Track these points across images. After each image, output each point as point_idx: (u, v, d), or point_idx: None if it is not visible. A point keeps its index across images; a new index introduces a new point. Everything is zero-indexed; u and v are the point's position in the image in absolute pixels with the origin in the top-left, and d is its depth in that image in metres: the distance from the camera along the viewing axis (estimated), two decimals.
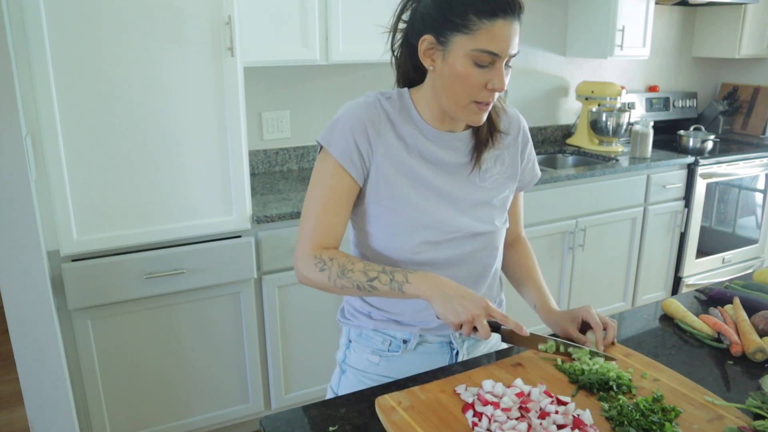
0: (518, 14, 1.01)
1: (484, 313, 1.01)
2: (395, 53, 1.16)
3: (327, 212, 1.11)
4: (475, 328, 1.02)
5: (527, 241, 1.36)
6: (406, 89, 1.17)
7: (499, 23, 0.99)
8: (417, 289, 1.04)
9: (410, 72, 1.16)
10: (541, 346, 1.14)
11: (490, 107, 1.09)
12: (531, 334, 1.11)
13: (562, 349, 1.13)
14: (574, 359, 1.11)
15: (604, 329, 1.17)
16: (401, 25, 1.13)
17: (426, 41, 1.05)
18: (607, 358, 1.12)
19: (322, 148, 1.13)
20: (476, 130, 1.17)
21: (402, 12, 1.12)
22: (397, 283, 1.05)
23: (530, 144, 1.27)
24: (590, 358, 1.10)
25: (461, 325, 1.02)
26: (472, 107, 1.07)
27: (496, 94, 1.06)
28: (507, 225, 1.25)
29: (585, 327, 1.19)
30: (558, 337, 1.19)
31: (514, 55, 1.04)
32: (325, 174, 1.11)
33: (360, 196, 1.14)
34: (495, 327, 1.07)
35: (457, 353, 1.22)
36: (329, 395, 1.28)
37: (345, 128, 1.10)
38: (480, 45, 1.00)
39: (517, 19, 1.01)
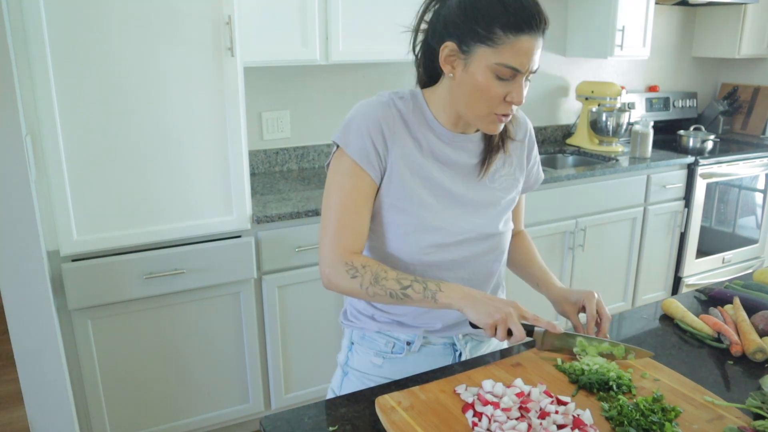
0: (543, 30, 1.01)
1: (516, 313, 1.02)
2: (417, 54, 1.15)
3: (350, 214, 1.09)
4: (509, 332, 1.02)
5: (527, 234, 1.39)
6: (419, 90, 1.16)
7: (523, 39, 0.98)
8: (450, 298, 1.04)
9: (423, 74, 1.16)
10: (575, 349, 1.13)
11: (508, 119, 1.08)
12: (564, 332, 1.12)
13: (596, 345, 1.12)
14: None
15: (600, 318, 1.17)
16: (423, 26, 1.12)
17: (448, 48, 1.04)
18: (629, 349, 1.12)
19: (337, 147, 1.11)
20: (488, 135, 1.17)
21: (425, 13, 1.11)
22: (431, 291, 1.05)
23: (535, 146, 1.28)
24: (625, 357, 1.11)
25: (495, 328, 1.02)
26: (491, 117, 1.07)
27: (515, 107, 1.06)
28: (512, 227, 1.26)
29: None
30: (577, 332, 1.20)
31: (534, 71, 1.04)
32: (343, 175, 1.10)
33: None
34: (527, 331, 1.07)
35: (461, 354, 1.23)
36: (330, 398, 1.28)
37: (361, 128, 1.09)
38: (503, 60, 0.99)
39: (541, 35, 1.01)
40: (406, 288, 1.05)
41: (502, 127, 1.10)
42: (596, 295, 1.18)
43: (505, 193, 1.21)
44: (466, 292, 1.05)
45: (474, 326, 1.06)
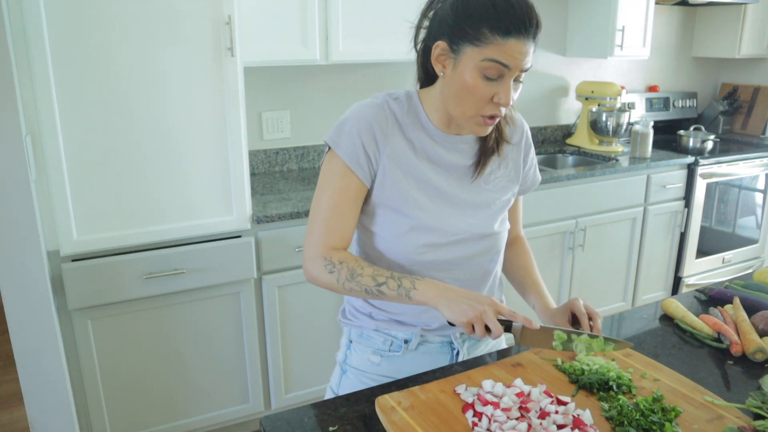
0: (533, 34, 1.00)
1: (491, 309, 1.00)
2: (418, 52, 1.15)
3: (335, 213, 1.11)
4: (487, 329, 1.02)
5: (525, 240, 1.37)
6: (414, 90, 1.17)
7: (511, 42, 0.98)
8: (424, 296, 1.04)
9: (421, 73, 1.16)
10: (554, 343, 1.12)
11: (495, 121, 1.08)
12: (541, 326, 1.11)
13: (574, 338, 1.11)
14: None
15: (591, 319, 1.16)
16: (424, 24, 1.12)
17: (439, 47, 1.05)
18: (608, 340, 1.11)
19: (329, 148, 1.12)
20: (483, 137, 1.17)
21: (427, 11, 1.11)
22: (405, 289, 1.05)
23: (532, 149, 1.27)
24: (605, 349, 1.09)
25: (473, 327, 1.01)
26: (478, 119, 1.07)
27: (503, 109, 1.06)
28: (508, 227, 1.25)
29: (575, 320, 1.18)
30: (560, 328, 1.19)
31: (525, 71, 1.03)
32: (333, 175, 1.11)
33: (366, 197, 1.14)
34: (506, 328, 1.07)
35: (458, 353, 1.23)
36: (329, 395, 1.28)
37: (353, 130, 1.10)
38: (490, 55, 0.99)
39: (531, 39, 1.00)
40: (380, 285, 1.06)
41: (489, 130, 1.10)
42: (579, 299, 1.19)
43: (500, 195, 1.20)
44: (441, 289, 1.04)
45: (452, 324, 1.06)
